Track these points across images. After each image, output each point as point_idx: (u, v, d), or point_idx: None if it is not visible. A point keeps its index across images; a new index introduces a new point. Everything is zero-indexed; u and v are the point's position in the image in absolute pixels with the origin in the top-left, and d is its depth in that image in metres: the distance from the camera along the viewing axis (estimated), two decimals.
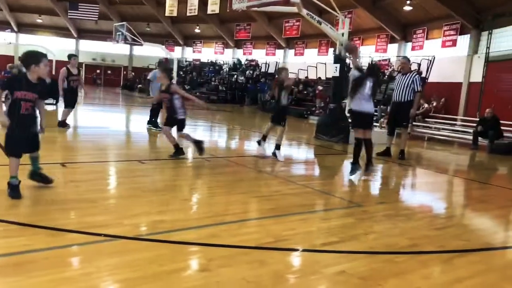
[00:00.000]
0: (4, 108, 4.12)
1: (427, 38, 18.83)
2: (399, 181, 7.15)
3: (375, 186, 6.46)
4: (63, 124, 9.01)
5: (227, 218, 4.06)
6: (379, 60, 20.34)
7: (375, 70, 6.76)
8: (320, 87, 20.44)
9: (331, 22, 12.08)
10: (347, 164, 8.00)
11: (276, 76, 8.24)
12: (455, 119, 15.03)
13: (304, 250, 3.40)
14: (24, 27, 34.77)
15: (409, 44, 19.95)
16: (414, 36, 19.36)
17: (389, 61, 19.83)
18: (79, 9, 32.14)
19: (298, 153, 9.38)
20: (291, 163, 7.81)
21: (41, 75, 4.20)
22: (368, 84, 6.33)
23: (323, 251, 3.41)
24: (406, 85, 8.14)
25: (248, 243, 3.40)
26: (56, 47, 30.92)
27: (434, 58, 16.38)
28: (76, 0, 31.83)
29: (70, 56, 9.48)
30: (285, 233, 3.72)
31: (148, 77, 10.67)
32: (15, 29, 34.30)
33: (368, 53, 21.09)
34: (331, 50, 22.88)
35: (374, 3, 19.62)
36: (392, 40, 20.81)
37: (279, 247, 3.39)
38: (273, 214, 4.27)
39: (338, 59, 10.70)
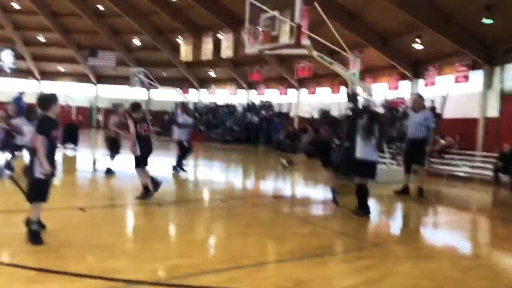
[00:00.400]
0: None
1: (439, 74, 18.92)
2: (419, 220, 7.01)
3: (395, 226, 6.36)
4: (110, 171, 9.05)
5: (244, 261, 4.02)
6: (394, 98, 20.43)
7: (377, 117, 6.71)
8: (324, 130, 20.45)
9: (342, 62, 12.28)
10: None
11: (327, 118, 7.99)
12: (474, 155, 14.82)
13: None
14: (46, 75, 36.14)
15: (422, 81, 20.06)
16: (426, 73, 19.49)
17: (403, 98, 19.90)
18: (98, 57, 33.42)
19: (315, 193, 9.32)
20: (308, 204, 7.76)
21: (58, 112, 4.40)
22: (375, 132, 6.35)
23: None
24: (419, 122, 8.15)
25: (266, 287, 3.36)
26: (76, 93, 31.94)
27: (448, 94, 16.39)
28: (95, 48, 33.14)
29: (118, 106, 9.61)
30: (304, 276, 3.67)
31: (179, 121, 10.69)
32: (38, 77, 35.67)
33: (381, 91, 21.26)
34: (343, 88, 23.12)
35: (384, 42, 19.94)
36: (404, 77, 20.97)
37: None
38: (291, 256, 4.22)
39: (351, 97, 10.79)
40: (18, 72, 34.03)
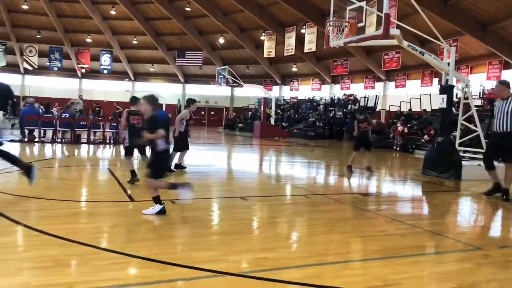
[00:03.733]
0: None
1: None
2: None
3: (495, 227, 5.80)
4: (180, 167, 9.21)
5: (330, 258, 3.92)
6: (493, 89, 18.74)
7: None
8: (400, 125, 19.39)
9: (434, 52, 11.54)
10: (460, 202, 7.35)
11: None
12: None
13: None
14: (139, 76, 38.80)
15: None
16: None
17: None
18: (186, 57, 35.06)
19: (404, 190, 8.85)
20: (397, 201, 7.38)
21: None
22: None
23: None
24: (508, 111, 7.08)
25: (354, 286, 3.23)
26: (165, 92, 33.90)
27: None
28: (183, 48, 34.83)
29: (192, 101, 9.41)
30: (394, 276, 3.47)
31: None
32: (132, 78, 38.40)
33: (479, 82, 19.64)
34: (435, 80, 21.73)
35: (483, 28, 18.33)
36: (507, 66, 19.13)
37: None
38: (380, 255, 4.02)
39: (445, 89, 10.08)
40: (115, 74, 36.98)
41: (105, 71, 36.52)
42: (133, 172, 7.32)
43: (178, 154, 9.20)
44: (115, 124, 16.00)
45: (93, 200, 6.24)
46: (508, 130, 7.07)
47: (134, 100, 7.74)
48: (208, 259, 3.67)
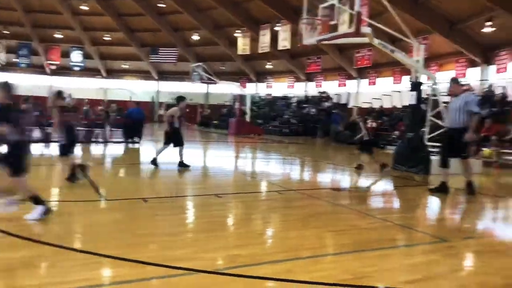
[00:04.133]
0: None
1: None
2: (488, 214, 6.57)
3: (460, 219, 6.01)
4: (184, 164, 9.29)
5: (302, 253, 3.98)
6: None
7: None
8: (372, 122, 19.73)
9: (405, 50, 11.78)
10: (429, 196, 7.56)
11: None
12: None
13: None
14: (112, 73, 38.06)
15: (492, 67, 18.76)
16: (497, 58, 18.19)
17: (470, 86, 18.74)
18: (159, 53, 34.60)
19: (375, 185, 9.04)
20: (368, 196, 7.54)
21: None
22: None
23: None
24: (458, 108, 7.21)
25: (325, 280, 3.30)
26: (139, 89, 33.39)
27: None
28: (157, 45, 34.36)
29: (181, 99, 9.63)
30: (365, 269, 3.56)
31: None
32: (104, 75, 37.63)
33: (447, 79, 20.18)
34: (405, 77, 22.20)
35: (451, 27, 18.83)
36: (472, 64, 19.72)
37: (359, 284, 3.24)
38: (351, 249, 4.12)
39: (415, 86, 10.33)
40: (87, 71, 36.17)
41: (77, 68, 35.65)
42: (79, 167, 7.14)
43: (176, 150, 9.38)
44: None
45: (63, 200, 6.13)
46: (461, 125, 7.17)
47: (61, 94, 7.44)
48: (182, 257, 3.68)
